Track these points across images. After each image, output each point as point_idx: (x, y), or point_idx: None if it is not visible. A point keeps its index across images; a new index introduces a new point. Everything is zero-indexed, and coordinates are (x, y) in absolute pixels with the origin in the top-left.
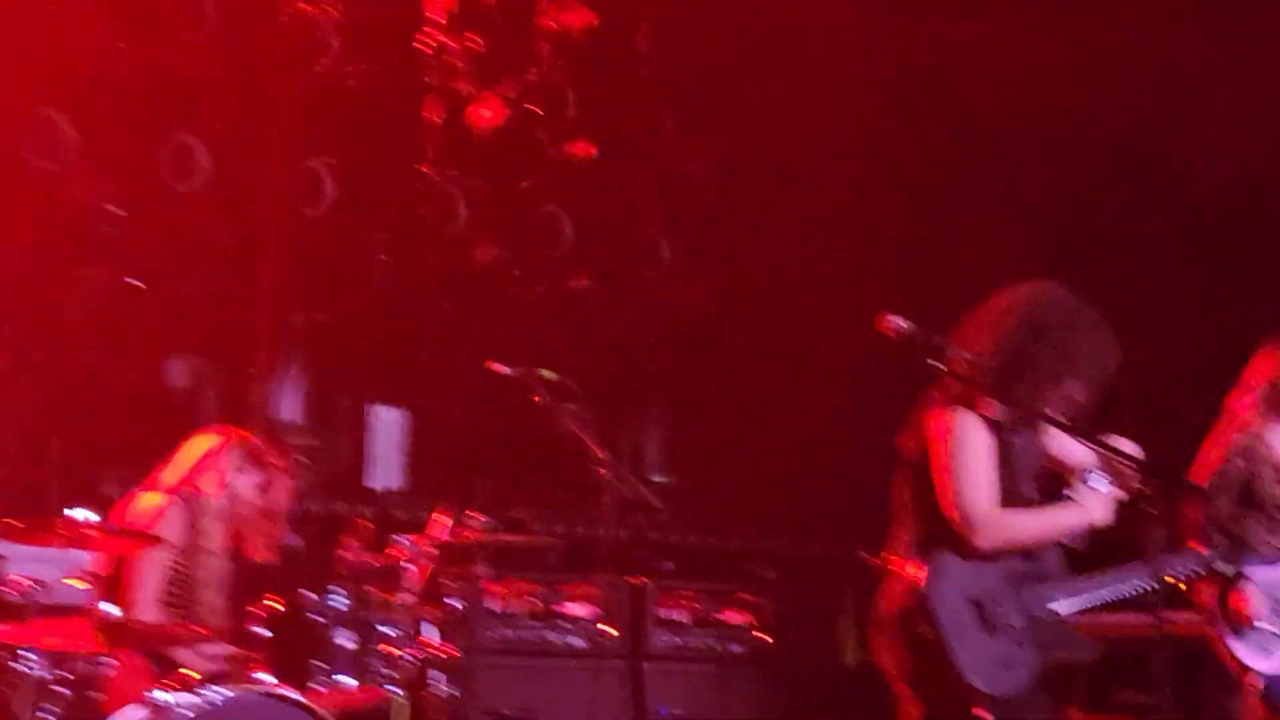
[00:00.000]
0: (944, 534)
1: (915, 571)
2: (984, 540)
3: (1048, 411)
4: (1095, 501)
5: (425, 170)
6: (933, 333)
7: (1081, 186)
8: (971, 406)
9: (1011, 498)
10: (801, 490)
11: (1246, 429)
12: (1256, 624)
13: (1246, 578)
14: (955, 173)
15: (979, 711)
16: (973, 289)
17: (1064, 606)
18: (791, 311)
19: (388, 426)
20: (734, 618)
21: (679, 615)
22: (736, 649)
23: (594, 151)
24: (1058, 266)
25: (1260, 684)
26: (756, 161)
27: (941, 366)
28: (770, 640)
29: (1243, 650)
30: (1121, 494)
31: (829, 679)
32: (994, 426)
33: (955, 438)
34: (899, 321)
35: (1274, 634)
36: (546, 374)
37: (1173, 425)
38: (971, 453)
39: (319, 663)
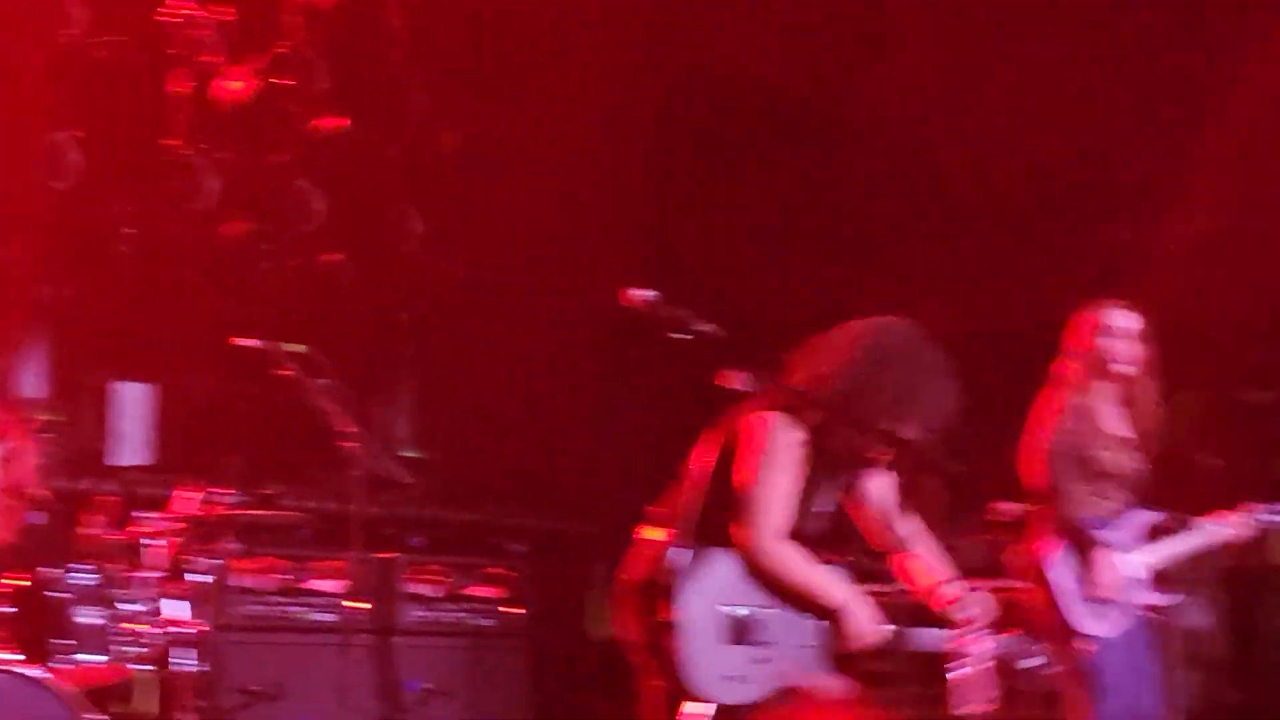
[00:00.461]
0: (728, 532)
1: (676, 555)
2: (751, 558)
3: (875, 444)
4: (869, 622)
5: (173, 144)
6: (677, 306)
7: (841, 162)
8: (798, 418)
9: (801, 519)
10: (552, 465)
11: (1076, 391)
12: (1114, 592)
13: (1106, 544)
14: (705, 148)
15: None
16: (721, 265)
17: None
18: (542, 287)
19: (133, 402)
20: (484, 592)
21: (428, 590)
22: (486, 623)
23: (345, 125)
24: (807, 237)
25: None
26: (508, 136)
27: (686, 338)
28: (520, 614)
29: (1079, 615)
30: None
31: (578, 652)
32: (814, 445)
33: (771, 446)
34: (644, 294)
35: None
36: (295, 348)
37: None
38: (780, 469)
39: (61, 640)
